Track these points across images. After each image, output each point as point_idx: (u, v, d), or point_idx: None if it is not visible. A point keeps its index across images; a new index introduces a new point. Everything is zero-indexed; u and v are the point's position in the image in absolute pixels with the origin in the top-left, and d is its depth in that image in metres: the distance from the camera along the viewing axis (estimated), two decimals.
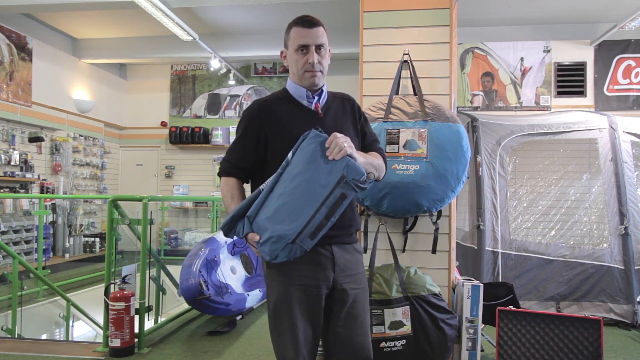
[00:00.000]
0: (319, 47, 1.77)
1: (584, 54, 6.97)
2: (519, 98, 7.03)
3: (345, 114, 1.90)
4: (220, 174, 1.85)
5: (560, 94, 6.96)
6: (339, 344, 1.74)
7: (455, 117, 2.66)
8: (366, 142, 1.92)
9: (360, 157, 1.66)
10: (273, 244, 1.57)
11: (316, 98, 1.83)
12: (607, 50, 6.95)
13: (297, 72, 1.79)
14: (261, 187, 1.66)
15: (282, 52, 1.88)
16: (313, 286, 1.70)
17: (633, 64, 6.93)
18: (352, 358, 1.73)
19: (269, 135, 1.77)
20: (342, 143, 1.59)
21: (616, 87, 6.95)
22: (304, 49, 1.76)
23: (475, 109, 7.06)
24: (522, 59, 7.04)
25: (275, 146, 1.76)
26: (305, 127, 1.71)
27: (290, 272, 1.70)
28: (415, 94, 2.80)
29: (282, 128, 1.76)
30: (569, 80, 6.96)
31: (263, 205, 1.63)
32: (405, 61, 2.87)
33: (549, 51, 7.01)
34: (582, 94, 6.95)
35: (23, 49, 6.76)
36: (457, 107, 6.68)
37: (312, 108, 1.82)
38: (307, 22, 1.76)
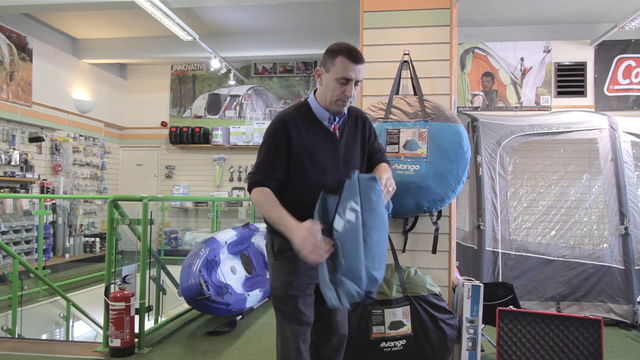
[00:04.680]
0: (357, 82, 1.88)
1: (584, 54, 6.97)
2: (519, 98, 7.03)
3: (356, 135, 2.04)
4: (252, 186, 1.89)
5: (560, 94, 6.97)
6: (323, 322, 2.04)
7: (456, 117, 2.66)
8: (374, 157, 2.10)
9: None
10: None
11: (336, 120, 1.97)
12: (607, 51, 6.95)
13: (330, 98, 1.89)
14: (348, 217, 1.74)
15: (317, 71, 1.95)
16: (312, 276, 1.90)
17: (633, 64, 6.93)
18: (332, 334, 2.06)
19: (292, 152, 1.88)
20: (390, 185, 1.90)
21: (616, 87, 6.94)
22: (345, 81, 1.84)
23: (476, 109, 7.06)
24: (522, 59, 7.04)
25: (294, 162, 1.90)
26: (323, 148, 1.92)
27: (296, 263, 1.87)
28: (415, 94, 2.80)
29: (304, 146, 1.89)
30: (569, 80, 6.96)
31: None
32: (406, 61, 2.87)
33: (549, 51, 7.01)
34: (582, 94, 6.95)
35: (23, 49, 6.76)
36: (457, 107, 6.68)
37: (331, 130, 1.96)
38: (355, 57, 1.84)
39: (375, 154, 2.11)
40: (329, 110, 1.92)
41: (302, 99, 2.00)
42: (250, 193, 1.90)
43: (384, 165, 2.08)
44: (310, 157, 1.89)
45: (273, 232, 1.94)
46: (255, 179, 1.89)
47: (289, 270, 1.91)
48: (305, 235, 1.67)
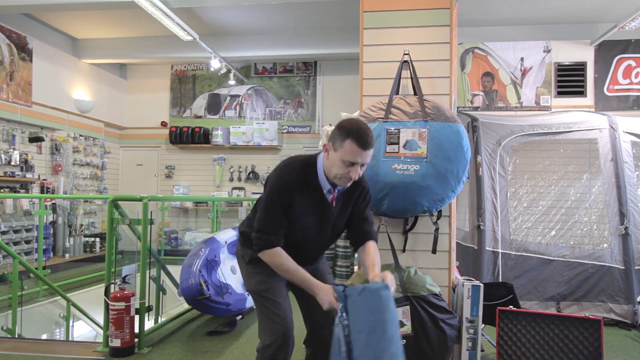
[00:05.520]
0: (363, 164, 1.91)
1: (584, 54, 6.97)
2: (519, 98, 7.03)
3: (350, 202, 2.09)
4: (265, 247, 1.96)
5: (560, 94, 6.96)
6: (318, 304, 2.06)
7: (456, 117, 2.66)
8: (362, 226, 2.12)
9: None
10: None
11: (336, 190, 2.02)
12: (607, 50, 6.95)
13: (335, 174, 1.93)
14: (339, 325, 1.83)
15: (325, 145, 1.96)
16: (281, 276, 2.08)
17: (633, 64, 6.93)
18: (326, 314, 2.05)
19: (290, 214, 1.96)
20: (393, 285, 1.89)
21: (616, 87, 6.94)
22: (352, 165, 1.88)
23: (476, 109, 7.06)
24: (522, 59, 7.04)
25: (290, 224, 1.98)
26: (316, 215, 2.01)
27: (267, 267, 2.03)
28: (415, 94, 2.80)
29: (301, 210, 1.97)
30: (569, 80, 6.96)
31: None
32: (406, 61, 2.87)
33: (549, 51, 7.01)
34: (582, 94, 6.95)
35: (23, 49, 6.76)
36: (457, 107, 6.68)
37: (329, 200, 2.02)
38: (365, 143, 1.85)
39: (364, 221, 2.13)
40: (332, 182, 1.97)
41: (310, 157, 2.05)
42: (259, 252, 1.98)
43: (373, 245, 2.10)
44: (300, 221, 1.97)
45: (245, 244, 2.15)
46: (267, 240, 1.96)
47: (260, 270, 2.08)
48: (327, 293, 1.90)
